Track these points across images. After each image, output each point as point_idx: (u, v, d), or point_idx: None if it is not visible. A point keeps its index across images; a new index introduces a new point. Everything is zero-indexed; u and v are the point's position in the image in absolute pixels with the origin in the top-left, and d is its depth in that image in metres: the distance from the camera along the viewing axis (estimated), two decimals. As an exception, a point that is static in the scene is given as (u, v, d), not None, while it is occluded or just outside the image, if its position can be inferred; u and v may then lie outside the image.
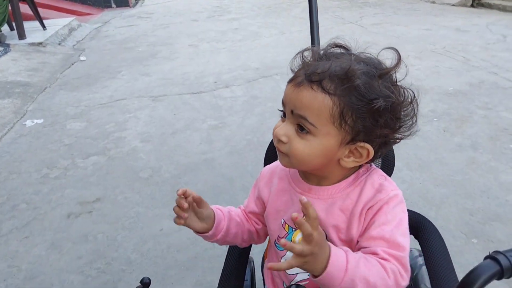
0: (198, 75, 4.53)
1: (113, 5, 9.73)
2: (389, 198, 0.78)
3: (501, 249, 0.62)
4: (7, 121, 3.60)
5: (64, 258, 2.02)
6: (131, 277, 1.88)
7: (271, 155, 1.13)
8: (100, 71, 4.93)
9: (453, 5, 7.23)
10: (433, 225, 1.01)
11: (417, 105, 0.79)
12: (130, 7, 9.65)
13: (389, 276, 0.71)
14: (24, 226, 2.27)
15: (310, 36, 1.29)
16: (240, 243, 1.00)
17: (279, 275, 0.93)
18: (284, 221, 0.89)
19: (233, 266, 1.01)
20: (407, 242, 0.77)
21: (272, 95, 3.79)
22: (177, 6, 9.27)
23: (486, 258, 0.63)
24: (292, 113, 0.77)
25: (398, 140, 0.81)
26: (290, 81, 0.79)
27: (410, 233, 1.06)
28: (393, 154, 1.07)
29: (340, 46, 0.82)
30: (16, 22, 5.96)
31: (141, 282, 0.85)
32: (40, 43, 5.79)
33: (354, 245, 0.80)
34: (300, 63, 0.81)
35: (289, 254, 0.85)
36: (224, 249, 2.03)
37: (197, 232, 0.90)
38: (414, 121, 0.79)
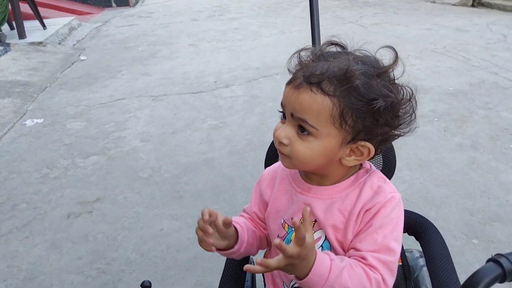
0: (198, 74, 4.53)
1: (113, 5, 9.72)
2: (387, 201, 0.78)
3: (501, 250, 0.62)
4: (7, 120, 3.59)
5: (64, 258, 2.02)
6: (131, 277, 1.88)
7: (271, 156, 1.13)
8: (100, 70, 4.93)
9: (454, 4, 7.23)
10: (435, 227, 1.01)
11: (416, 102, 0.80)
12: (130, 7, 9.64)
13: (372, 285, 0.74)
14: (24, 226, 2.26)
15: (310, 36, 1.29)
16: (255, 251, 0.97)
17: (279, 275, 0.93)
18: (284, 221, 0.88)
19: (234, 267, 1.01)
20: (399, 246, 0.79)
21: (272, 94, 3.79)
22: (177, 5, 9.26)
23: (488, 261, 0.62)
24: (292, 116, 0.77)
25: (397, 137, 0.82)
26: (289, 83, 0.79)
27: (412, 235, 1.06)
28: (394, 156, 1.07)
29: (336, 44, 0.82)
30: (16, 21, 5.95)
31: (141, 285, 0.85)
32: (40, 43, 5.79)
33: (348, 245, 0.81)
34: (297, 63, 0.81)
35: None
36: (224, 249, 2.02)
37: (219, 250, 0.87)
38: (413, 118, 0.80)
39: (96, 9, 9.31)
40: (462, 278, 0.89)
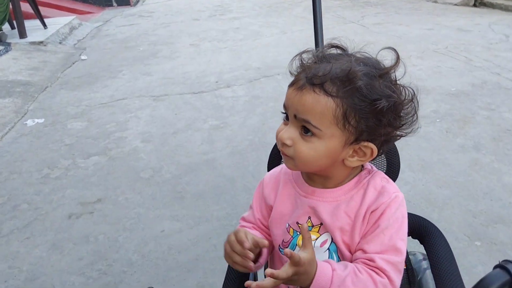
0: (199, 74, 4.52)
1: (114, 4, 9.70)
2: (391, 201, 0.79)
3: (504, 252, 0.62)
4: (8, 120, 3.59)
5: (65, 259, 2.02)
6: (132, 279, 1.87)
7: (274, 158, 1.12)
8: (101, 70, 4.92)
9: (455, 4, 7.21)
10: (439, 230, 1.00)
11: (417, 103, 0.80)
12: (131, 6, 9.63)
13: None
14: (25, 227, 2.26)
15: (311, 36, 1.29)
16: (265, 261, 0.95)
17: None
18: (288, 225, 0.88)
19: (236, 270, 1.00)
20: (405, 246, 0.80)
21: (273, 95, 3.78)
22: (178, 4, 9.25)
23: (495, 267, 0.62)
24: (295, 117, 0.78)
25: (399, 137, 0.82)
26: (291, 84, 0.80)
27: (416, 238, 1.06)
28: (398, 160, 1.06)
29: (337, 47, 0.83)
30: (17, 20, 5.95)
31: None
32: (41, 42, 5.78)
33: (355, 247, 0.82)
34: (299, 65, 0.81)
35: None
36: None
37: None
38: (415, 118, 0.81)
39: (97, 8, 9.30)
40: (465, 280, 0.89)
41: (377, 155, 0.81)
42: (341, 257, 0.83)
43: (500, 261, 0.63)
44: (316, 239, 0.83)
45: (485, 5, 6.96)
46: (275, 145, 1.08)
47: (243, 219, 0.98)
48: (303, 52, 0.83)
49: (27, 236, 2.19)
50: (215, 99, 3.83)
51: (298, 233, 0.87)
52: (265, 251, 0.89)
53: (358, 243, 0.80)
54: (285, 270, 0.69)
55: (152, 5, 9.58)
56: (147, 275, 1.89)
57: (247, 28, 6.58)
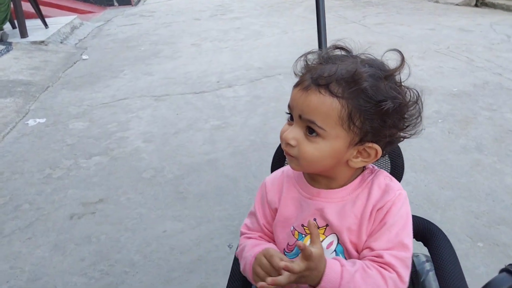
0: (201, 74, 4.52)
1: (115, 3, 9.71)
2: (396, 198, 0.80)
3: (506, 253, 0.61)
4: (9, 120, 3.59)
5: (67, 259, 2.02)
6: (134, 279, 1.87)
7: (278, 160, 1.12)
8: (102, 70, 4.92)
9: (457, 4, 7.20)
10: (443, 233, 1.00)
11: (422, 104, 0.81)
12: (132, 6, 9.63)
13: (388, 285, 0.75)
14: (27, 227, 2.26)
15: (312, 35, 1.29)
16: None
17: None
18: (294, 228, 0.88)
19: (239, 271, 1.00)
20: (411, 242, 0.81)
21: (275, 95, 3.78)
22: (179, 4, 9.25)
23: (501, 271, 0.62)
24: (300, 118, 0.78)
25: (403, 139, 0.83)
26: (296, 85, 0.80)
27: (420, 240, 1.06)
28: (402, 162, 1.06)
29: (341, 48, 0.84)
30: (18, 20, 5.95)
31: None
32: (42, 42, 5.78)
33: (362, 246, 0.82)
34: (303, 66, 0.82)
35: None
36: (228, 251, 2.02)
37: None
38: (419, 120, 0.81)
39: (98, 8, 9.30)
40: (468, 281, 0.89)
41: (381, 156, 0.82)
42: (347, 258, 0.83)
43: (506, 265, 0.63)
44: (322, 241, 0.83)
45: (486, 5, 6.95)
46: (279, 146, 1.08)
47: (247, 227, 0.95)
48: (308, 53, 0.83)
49: (29, 236, 2.19)
50: (216, 99, 3.83)
51: (303, 236, 0.87)
52: None
53: (365, 241, 0.81)
54: (298, 264, 0.70)
55: (153, 5, 9.58)
56: (149, 276, 1.89)
57: (248, 28, 6.58)
